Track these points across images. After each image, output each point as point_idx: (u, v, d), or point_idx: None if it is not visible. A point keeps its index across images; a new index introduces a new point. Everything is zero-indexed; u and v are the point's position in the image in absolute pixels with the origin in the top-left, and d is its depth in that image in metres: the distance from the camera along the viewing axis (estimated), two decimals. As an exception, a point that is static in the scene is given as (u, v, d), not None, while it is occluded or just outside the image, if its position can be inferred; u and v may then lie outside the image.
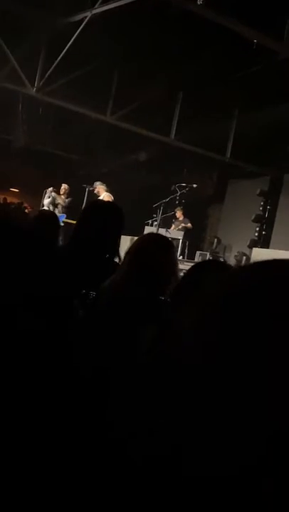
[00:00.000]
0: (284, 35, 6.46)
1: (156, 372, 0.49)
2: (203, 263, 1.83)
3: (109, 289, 1.72)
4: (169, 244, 1.93)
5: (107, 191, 9.26)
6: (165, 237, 2.03)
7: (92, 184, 9.65)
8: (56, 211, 9.87)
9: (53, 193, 10.21)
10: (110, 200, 9.13)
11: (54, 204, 10.14)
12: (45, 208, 10.13)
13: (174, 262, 1.82)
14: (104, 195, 9.22)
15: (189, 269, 1.74)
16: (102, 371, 1.34)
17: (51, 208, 9.99)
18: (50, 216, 3.39)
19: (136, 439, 0.48)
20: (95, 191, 9.37)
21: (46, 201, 10.28)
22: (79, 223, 2.22)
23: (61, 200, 10.21)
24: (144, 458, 0.45)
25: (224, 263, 1.92)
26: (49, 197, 10.25)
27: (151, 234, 2.08)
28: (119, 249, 2.08)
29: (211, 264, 1.80)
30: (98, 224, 2.07)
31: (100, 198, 9.28)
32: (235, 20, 6.31)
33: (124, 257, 1.82)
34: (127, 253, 1.81)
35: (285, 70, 7.73)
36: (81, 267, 1.93)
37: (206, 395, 0.43)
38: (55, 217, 3.43)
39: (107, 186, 9.57)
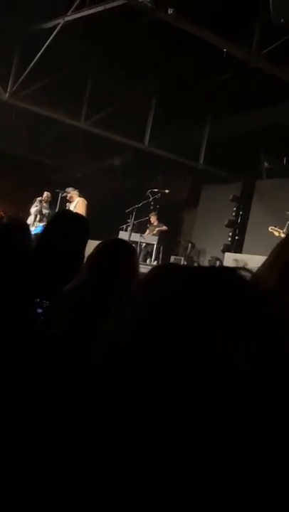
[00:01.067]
0: (252, 46, 6.61)
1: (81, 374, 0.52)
2: (160, 267, 1.85)
3: (68, 293, 1.74)
4: (129, 248, 1.95)
5: (80, 197, 9.27)
6: (126, 242, 2.06)
7: (64, 190, 9.65)
8: (41, 219, 9.93)
9: (44, 203, 10.26)
10: (84, 205, 9.14)
11: (41, 213, 10.15)
12: (32, 216, 10.16)
13: (133, 267, 1.84)
14: (79, 201, 9.23)
15: (147, 273, 1.78)
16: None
17: (38, 217, 10.02)
18: (20, 224, 3.37)
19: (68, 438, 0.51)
20: (68, 197, 9.37)
21: (33, 209, 10.31)
22: (44, 233, 2.25)
23: (46, 209, 10.23)
24: (74, 457, 0.48)
25: (182, 267, 1.95)
26: (36, 206, 10.27)
27: (112, 239, 2.08)
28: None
29: (167, 268, 1.83)
30: (62, 235, 2.09)
31: (74, 203, 9.29)
32: (206, 29, 6.43)
33: (85, 263, 1.85)
34: (88, 258, 1.83)
35: (255, 79, 7.91)
36: (43, 274, 1.95)
37: (116, 399, 0.45)
38: (25, 225, 3.42)
39: (81, 192, 9.58)
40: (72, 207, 9.22)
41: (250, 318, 0.45)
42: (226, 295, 0.46)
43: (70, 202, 9.34)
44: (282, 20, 4.44)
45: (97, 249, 1.84)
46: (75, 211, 8.98)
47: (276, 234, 7.53)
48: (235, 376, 0.42)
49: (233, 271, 0.50)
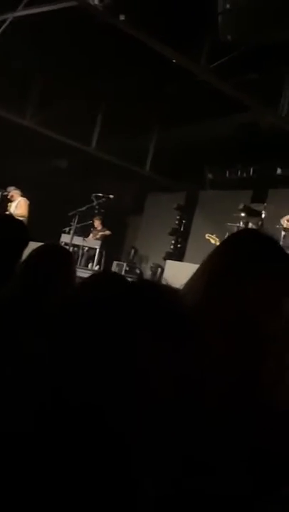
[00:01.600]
0: (201, 59, 6.74)
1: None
2: (98, 275, 1.83)
3: (2, 299, 1.68)
4: (64, 253, 1.91)
5: (22, 196, 9.06)
6: (62, 247, 2.02)
7: (5, 189, 9.40)
8: None
9: None
10: (26, 205, 8.94)
11: None
12: None
13: (69, 272, 1.81)
14: (20, 201, 9.02)
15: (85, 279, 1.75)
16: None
17: None
18: None
19: None
20: (9, 196, 9.13)
21: None
22: None
23: None
24: None
25: (117, 275, 1.94)
26: None
27: (47, 243, 2.02)
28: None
29: (103, 276, 1.81)
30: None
31: (15, 202, 9.06)
32: (157, 39, 6.49)
33: (19, 267, 1.79)
34: (21, 263, 1.78)
35: (203, 91, 8.06)
36: None
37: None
38: None
39: (24, 192, 9.37)
40: (13, 206, 9.00)
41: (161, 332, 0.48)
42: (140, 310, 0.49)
43: (12, 201, 9.11)
44: (228, 37, 4.56)
45: (31, 253, 1.79)
46: (15, 211, 8.80)
47: (212, 241, 7.74)
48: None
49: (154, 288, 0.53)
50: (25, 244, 2.07)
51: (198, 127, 9.94)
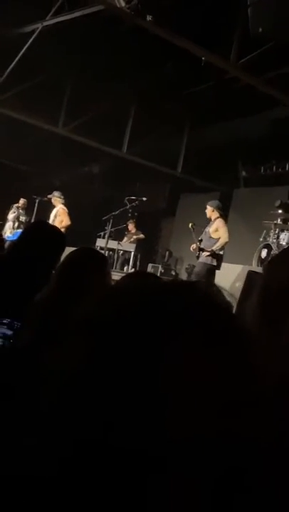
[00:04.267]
0: (231, 55, 6.65)
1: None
2: (132, 274, 1.81)
3: (38, 304, 1.67)
4: (99, 258, 1.89)
5: (63, 204, 9.13)
6: (97, 251, 2.00)
7: (42, 196, 9.53)
8: (19, 226, 10.04)
9: (21, 210, 10.38)
10: (65, 213, 9.02)
11: (19, 220, 10.20)
12: (10, 222, 10.20)
13: (104, 277, 1.79)
14: (60, 208, 9.09)
15: (119, 281, 1.73)
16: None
17: (16, 223, 10.10)
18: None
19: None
20: (52, 200, 9.21)
21: (11, 216, 10.44)
22: (17, 244, 2.17)
23: (23, 216, 10.34)
24: None
25: (154, 276, 1.91)
26: (14, 212, 10.32)
27: (81, 248, 2.01)
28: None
29: (139, 275, 1.78)
30: (35, 246, 2.03)
31: (55, 210, 9.15)
32: (185, 38, 6.44)
33: (54, 273, 1.78)
34: (57, 268, 1.77)
35: (233, 88, 7.96)
36: (13, 286, 1.87)
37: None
38: None
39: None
40: (52, 213, 9.10)
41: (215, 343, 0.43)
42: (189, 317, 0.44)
43: (53, 207, 9.23)
44: (260, 29, 4.46)
45: (66, 258, 1.78)
46: (56, 220, 8.88)
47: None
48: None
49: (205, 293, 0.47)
50: (63, 249, 2.08)
51: (230, 125, 9.82)
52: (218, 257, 7.57)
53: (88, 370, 0.41)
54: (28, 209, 10.33)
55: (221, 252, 7.73)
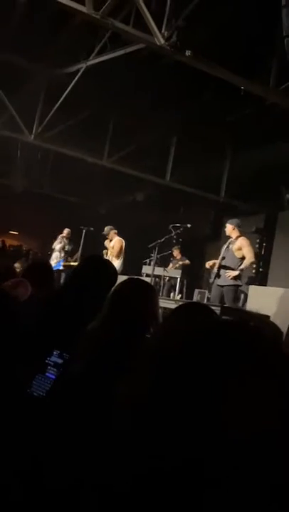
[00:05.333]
0: (270, 82, 6.74)
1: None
2: (182, 307, 1.87)
3: (88, 334, 1.76)
4: (147, 287, 1.96)
5: (118, 235, 9.38)
6: (144, 281, 2.09)
7: (89, 226, 9.78)
8: (64, 255, 10.30)
9: (65, 240, 10.62)
10: (122, 244, 9.25)
11: (64, 250, 10.43)
12: (57, 252, 10.45)
13: (152, 305, 1.86)
14: (116, 240, 9.32)
15: (171, 313, 1.80)
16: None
17: (62, 253, 10.35)
18: (43, 264, 3.45)
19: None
20: (108, 236, 9.44)
21: (58, 246, 10.66)
22: (75, 274, 2.27)
23: (68, 245, 10.57)
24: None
25: (204, 306, 1.96)
26: (60, 242, 10.57)
27: (130, 278, 2.10)
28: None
29: (191, 308, 1.84)
30: (90, 279, 2.13)
31: (113, 241, 9.38)
32: (223, 68, 6.60)
33: (105, 303, 1.87)
34: (108, 299, 1.86)
35: (273, 114, 8.00)
36: (66, 319, 1.97)
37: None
38: (47, 265, 3.49)
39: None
40: (110, 245, 9.34)
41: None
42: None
43: (110, 240, 9.46)
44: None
45: (116, 289, 1.87)
46: (113, 252, 9.08)
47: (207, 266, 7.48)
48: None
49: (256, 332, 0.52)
50: (115, 281, 2.17)
51: (271, 149, 9.82)
52: (240, 277, 7.12)
53: (158, 396, 0.46)
54: (75, 239, 10.60)
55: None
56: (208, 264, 7.44)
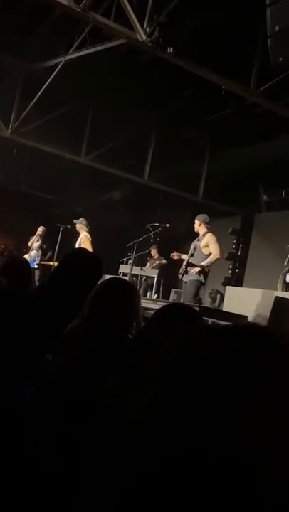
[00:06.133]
0: (250, 82, 6.74)
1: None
2: (168, 308, 1.81)
3: (69, 334, 1.70)
4: (128, 287, 1.92)
5: (87, 232, 9.16)
6: (125, 280, 2.02)
7: (66, 223, 9.62)
8: (40, 253, 10.21)
9: (41, 238, 10.53)
10: (88, 241, 9.06)
11: (42, 248, 10.32)
12: (35, 251, 10.30)
13: (134, 305, 1.80)
14: (83, 235, 9.13)
15: (154, 313, 1.74)
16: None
17: (40, 252, 10.23)
18: (20, 262, 3.32)
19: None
20: (77, 227, 9.25)
21: (36, 245, 10.48)
22: (58, 270, 2.18)
23: (43, 243, 10.50)
24: None
25: (188, 307, 1.91)
26: (38, 241, 10.44)
27: (112, 278, 2.03)
28: None
29: (176, 309, 1.79)
30: (77, 273, 2.05)
31: (79, 238, 9.21)
32: (205, 67, 6.57)
33: (86, 303, 1.80)
34: (89, 299, 1.79)
35: (253, 114, 8.04)
36: (51, 313, 1.89)
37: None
38: (26, 264, 3.38)
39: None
40: (78, 241, 9.17)
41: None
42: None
43: (78, 233, 9.28)
44: (280, 59, 4.54)
45: (97, 289, 1.80)
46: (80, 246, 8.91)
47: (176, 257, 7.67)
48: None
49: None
50: (99, 278, 2.09)
51: (250, 150, 9.87)
52: (205, 274, 7.20)
53: (169, 412, 0.43)
54: (52, 237, 10.46)
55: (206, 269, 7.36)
56: (173, 256, 7.69)
